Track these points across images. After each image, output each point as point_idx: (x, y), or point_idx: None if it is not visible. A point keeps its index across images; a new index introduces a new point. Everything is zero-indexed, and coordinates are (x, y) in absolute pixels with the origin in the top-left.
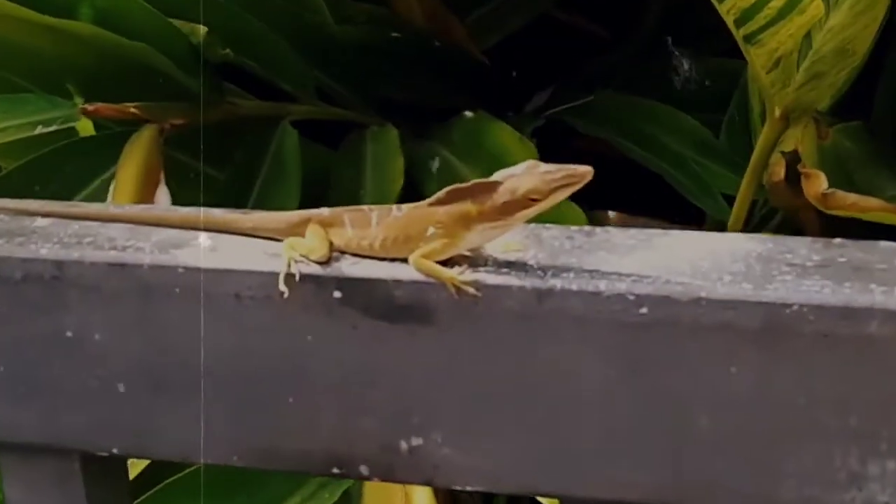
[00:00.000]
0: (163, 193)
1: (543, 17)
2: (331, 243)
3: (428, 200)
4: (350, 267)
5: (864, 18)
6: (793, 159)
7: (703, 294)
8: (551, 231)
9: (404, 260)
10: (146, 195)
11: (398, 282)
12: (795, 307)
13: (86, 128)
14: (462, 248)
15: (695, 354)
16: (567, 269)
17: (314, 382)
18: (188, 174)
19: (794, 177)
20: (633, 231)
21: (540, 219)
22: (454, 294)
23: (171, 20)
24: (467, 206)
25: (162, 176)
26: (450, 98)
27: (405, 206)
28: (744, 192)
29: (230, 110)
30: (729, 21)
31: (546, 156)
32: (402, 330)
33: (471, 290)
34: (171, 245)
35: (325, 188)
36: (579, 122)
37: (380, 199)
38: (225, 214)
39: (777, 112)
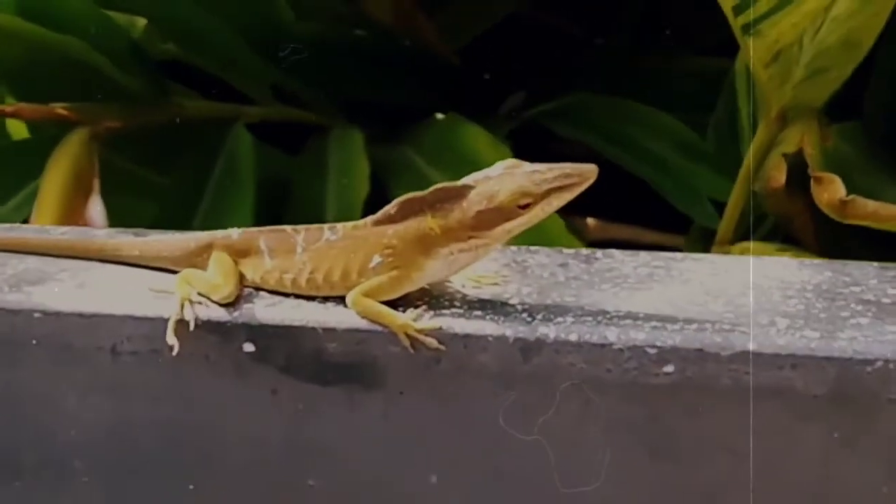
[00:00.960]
0: (95, 205)
1: (517, 17)
2: (241, 277)
3: (372, 217)
4: (266, 310)
5: (872, 6)
6: (795, 162)
7: (752, 346)
8: (538, 256)
9: (341, 299)
10: (75, 207)
11: (331, 331)
12: (879, 364)
13: (19, 131)
14: (420, 281)
15: (741, 431)
16: (562, 311)
17: (221, 466)
18: (129, 181)
19: (793, 181)
20: (644, 255)
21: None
22: (408, 347)
23: (106, 12)
24: (426, 224)
25: (96, 184)
26: (419, 99)
27: (341, 226)
28: (736, 197)
29: (175, 112)
30: (726, 8)
31: (523, 159)
32: (337, 396)
33: (431, 341)
34: (28, 280)
35: (283, 197)
36: (556, 124)
37: (344, 209)
38: (107, 238)
39: (774, 111)
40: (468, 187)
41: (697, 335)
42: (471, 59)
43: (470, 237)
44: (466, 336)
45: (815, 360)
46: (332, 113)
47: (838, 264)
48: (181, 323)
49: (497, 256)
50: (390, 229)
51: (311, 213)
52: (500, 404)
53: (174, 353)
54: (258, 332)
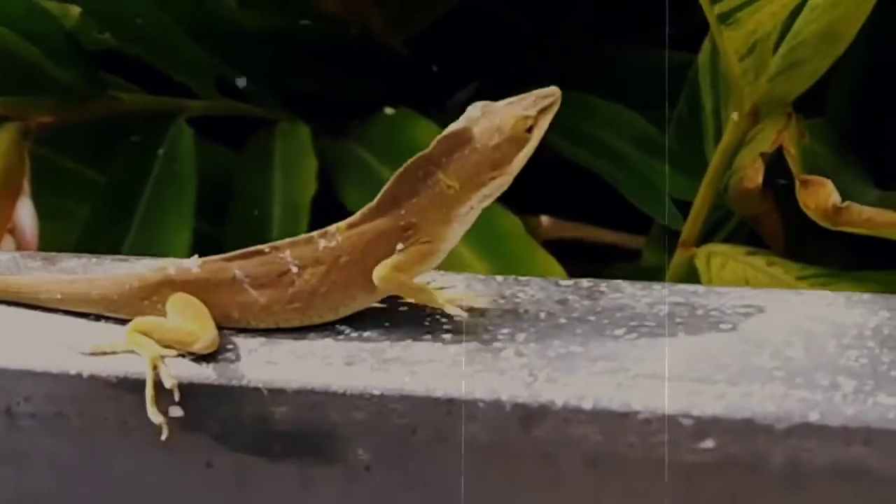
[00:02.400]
0: (25, 207)
1: (468, 6)
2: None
3: (372, 205)
4: (197, 365)
5: None
6: (766, 162)
7: (812, 416)
8: (530, 289)
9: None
10: (3, 209)
11: (278, 392)
12: None
13: None
14: (444, 252)
15: None
16: (569, 366)
17: None
18: (62, 179)
19: (764, 181)
20: (658, 290)
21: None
22: (461, 314)
23: (38, 0)
24: (441, 183)
25: (26, 184)
26: (367, 92)
27: (335, 228)
28: (702, 197)
29: (112, 106)
30: None
31: None
32: (286, 471)
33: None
34: None
35: (226, 195)
36: None
37: (290, 206)
38: (21, 279)
39: (746, 106)
40: (467, 129)
41: (743, 402)
42: (420, 51)
43: (492, 178)
44: (450, 401)
45: (895, 435)
46: (277, 107)
47: (893, 300)
48: (161, 393)
49: (482, 290)
50: (402, 208)
51: (256, 211)
52: (491, 486)
53: (163, 436)
54: (189, 392)
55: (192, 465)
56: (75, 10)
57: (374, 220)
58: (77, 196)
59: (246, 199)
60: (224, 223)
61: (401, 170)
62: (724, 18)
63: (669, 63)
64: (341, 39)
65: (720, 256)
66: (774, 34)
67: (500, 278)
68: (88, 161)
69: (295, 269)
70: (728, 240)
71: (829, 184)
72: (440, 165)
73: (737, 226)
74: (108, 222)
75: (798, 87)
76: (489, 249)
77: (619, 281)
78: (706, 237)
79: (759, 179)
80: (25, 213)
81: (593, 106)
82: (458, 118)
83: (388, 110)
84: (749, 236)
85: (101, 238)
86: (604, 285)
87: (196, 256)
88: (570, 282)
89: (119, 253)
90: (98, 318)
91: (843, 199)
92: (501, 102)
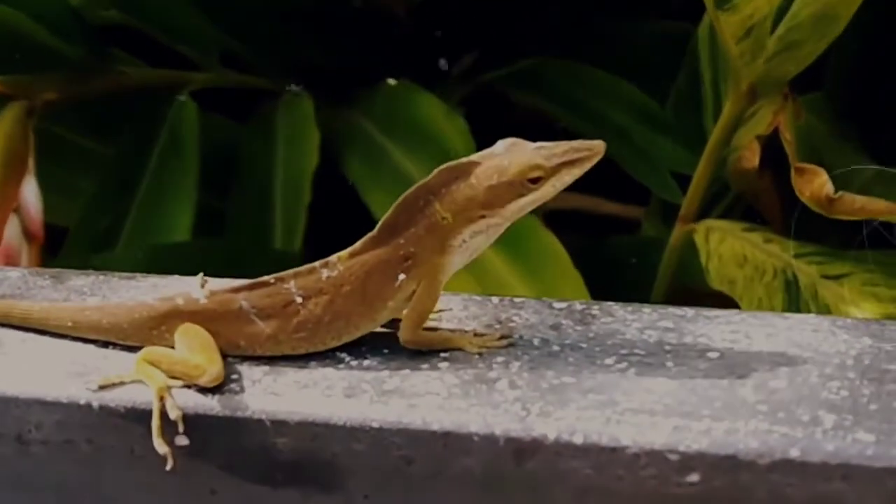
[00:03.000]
0: (30, 185)
1: None
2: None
3: (371, 235)
4: (201, 396)
5: None
6: (765, 141)
7: (794, 453)
8: (525, 312)
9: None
10: (8, 189)
11: (281, 424)
12: None
13: None
14: (443, 284)
15: None
16: (562, 399)
17: None
18: (68, 152)
19: (763, 160)
20: (649, 313)
21: None
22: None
23: None
24: (436, 214)
25: (31, 164)
26: (370, 62)
27: (336, 258)
28: (701, 173)
29: (118, 80)
30: None
31: (478, 127)
32: (288, 500)
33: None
34: None
35: (229, 167)
36: (513, 90)
37: (293, 178)
38: (31, 305)
39: (744, 86)
40: (474, 163)
41: (728, 438)
42: (423, 19)
43: (481, 216)
44: (446, 434)
45: (872, 472)
46: (280, 79)
47: (875, 325)
48: (167, 423)
49: (477, 313)
50: (401, 237)
51: (259, 183)
52: None
53: (168, 466)
54: (194, 423)
55: (197, 492)
56: None
57: (374, 250)
58: (82, 171)
59: (249, 170)
60: (227, 195)
61: (401, 198)
62: (721, 3)
63: (671, 33)
64: (344, 9)
65: (718, 232)
66: (771, 16)
67: (495, 300)
68: (93, 135)
69: (299, 300)
70: (726, 213)
71: (823, 173)
72: (438, 195)
73: (734, 199)
74: (112, 196)
75: (795, 68)
76: (528, 271)
77: (611, 304)
78: (704, 210)
79: (756, 161)
80: (30, 192)
81: (595, 78)
82: (459, 87)
83: (391, 81)
84: (746, 210)
85: (106, 212)
86: (595, 308)
87: (201, 275)
88: (564, 304)
89: (122, 229)
90: (106, 344)
91: (841, 174)
92: (533, 144)
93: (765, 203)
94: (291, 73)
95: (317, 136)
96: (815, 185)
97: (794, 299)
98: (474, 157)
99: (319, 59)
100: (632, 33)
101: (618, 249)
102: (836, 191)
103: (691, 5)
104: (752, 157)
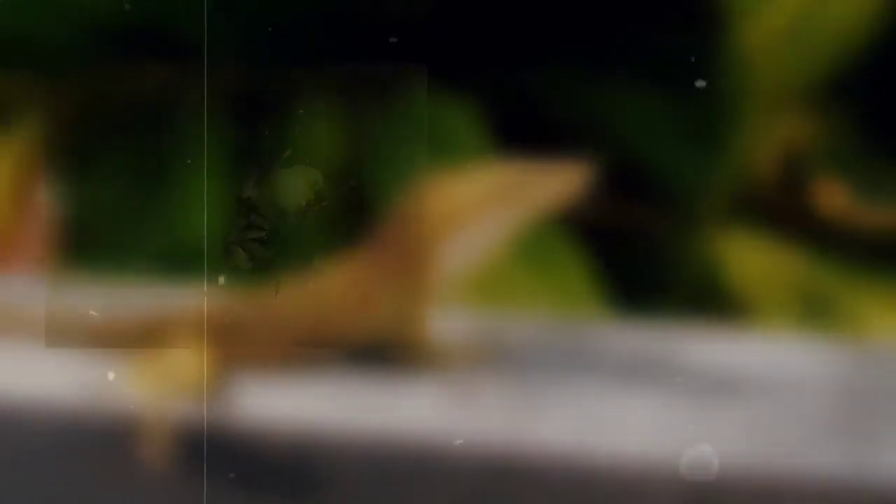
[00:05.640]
0: (44, 189)
1: None
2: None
3: (365, 244)
4: (193, 406)
5: None
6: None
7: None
8: (513, 324)
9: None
10: (22, 193)
11: (272, 432)
12: None
13: None
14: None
15: None
16: (545, 411)
17: None
18: (83, 154)
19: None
20: (643, 324)
21: None
22: None
23: None
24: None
25: (44, 167)
26: (393, 61)
27: (329, 270)
28: (717, 181)
29: (135, 81)
30: None
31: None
32: None
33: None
34: None
35: (246, 172)
36: (534, 94)
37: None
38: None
39: (763, 93)
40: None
41: (712, 457)
42: (446, 19)
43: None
44: (431, 443)
45: (850, 493)
46: (299, 80)
47: (866, 345)
48: (159, 430)
49: (468, 323)
50: (390, 249)
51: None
52: None
53: (162, 474)
54: (186, 431)
55: (188, 500)
56: None
57: (365, 260)
58: (96, 174)
59: (267, 176)
60: (243, 202)
61: (390, 209)
62: (740, 9)
63: (693, 40)
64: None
65: (735, 241)
66: (792, 22)
67: (484, 312)
68: (108, 138)
69: (294, 312)
70: (743, 222)
71: (843, 189)
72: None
73: (751, 208)
74: (126, 199)
75: (817, 76)
76: (550, 286)
77: (601, 315)
78: (720, 219)
79: (775, 169)
80: (44, 196)
81: (616, 83)
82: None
83: (411, 83)
84: (764, 219)
85: (119, 216)
86: (585, 320)
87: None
88: (555, 315)
89: (135, 232)
90: (105, 349)
91: (863, 184)
92: (532, 168)
93: (783, 212)
94: (308, 69)
95: (336, 133)
96: (833, 199)
97: (812, 312)
98: (462, 176)
99: (338, 58)
100: (654, 39)
101: (629, 256)
102: (857, 202)
103: (707, 12)
104: (772, 167)
